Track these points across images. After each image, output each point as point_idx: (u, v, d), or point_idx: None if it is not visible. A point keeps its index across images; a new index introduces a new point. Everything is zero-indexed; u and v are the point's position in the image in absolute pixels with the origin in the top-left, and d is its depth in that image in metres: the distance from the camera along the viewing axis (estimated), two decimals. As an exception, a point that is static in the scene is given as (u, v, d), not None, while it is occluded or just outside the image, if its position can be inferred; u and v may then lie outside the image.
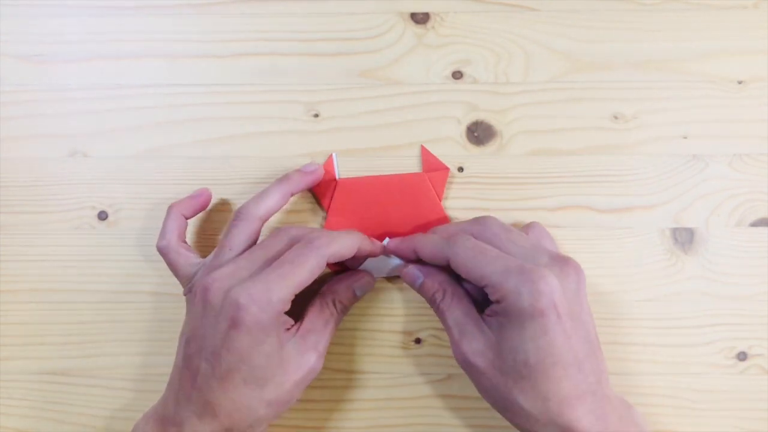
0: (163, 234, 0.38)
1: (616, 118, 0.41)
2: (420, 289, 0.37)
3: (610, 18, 0.42)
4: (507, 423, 0.33)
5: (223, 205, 0.41)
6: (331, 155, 0.41)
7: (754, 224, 0.40)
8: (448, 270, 0.36)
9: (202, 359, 0.33)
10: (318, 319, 0.36)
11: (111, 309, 0.40)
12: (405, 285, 0.40)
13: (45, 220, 0.41)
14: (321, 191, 0.40)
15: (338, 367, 0.40)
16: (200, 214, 0.40)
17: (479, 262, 0.33)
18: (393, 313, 0.40)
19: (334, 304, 0.37)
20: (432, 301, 0.36)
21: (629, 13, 0.42)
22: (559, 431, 0.32)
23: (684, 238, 0.40)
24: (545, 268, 0.33)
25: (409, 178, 0.40)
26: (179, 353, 0.35)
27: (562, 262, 0.34)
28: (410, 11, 0.42)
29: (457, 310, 0.35)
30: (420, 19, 0.42)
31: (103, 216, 0.41)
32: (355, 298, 0.38)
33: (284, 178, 0.38)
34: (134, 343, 0.40)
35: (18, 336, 0.40)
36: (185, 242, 0.38)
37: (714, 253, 0.40)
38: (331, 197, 0.40)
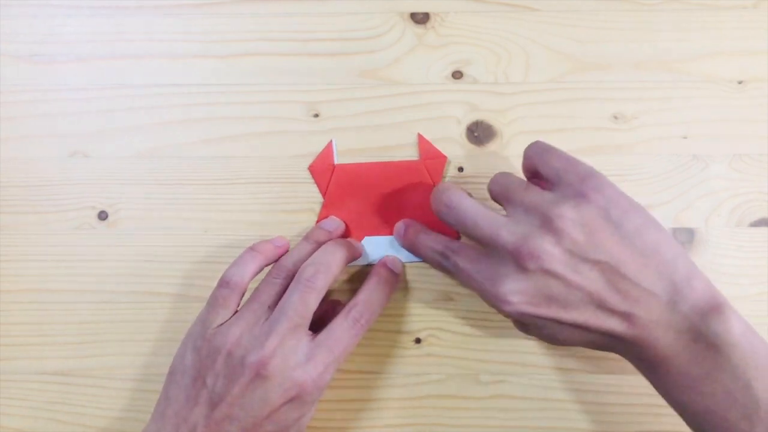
0: (239, 269, 0.36)
1: (616, 118, 0.41)
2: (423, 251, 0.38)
3: (610, 18, 0.42)
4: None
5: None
6: (330, 141, 0.41)
7: (754, 224, 0.40)
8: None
9: (234, 425, 0.33)
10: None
11: (111, 309, 0.40)
12: (404, 285, 0.40)
13: (45, 220, 0.41)
14: (319, 177, 0.40)
15: (339, 367, 0.40)
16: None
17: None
18: (393, 313, 0.40)
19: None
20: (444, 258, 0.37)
21: (629, 13, 0.42)
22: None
23: (684, 238, 0.40)
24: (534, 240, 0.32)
25: (406, 165, 0.40)
26: (191, 407, 0.34)
27: (547, 223, 0.32)
28: (410, 11, 0.42)
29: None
30: (420, 19, 0.42)
31: (103, 216, 0.41)
32: None
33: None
34: (134, 343, 0.40)
35: (18, 336, 0.40)
36: None
37: (714, 253, 0.40)
38: (329, 182, 0.40)
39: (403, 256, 0.40)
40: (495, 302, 0.33)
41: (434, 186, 0.40)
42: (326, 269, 0.36)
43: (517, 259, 0.32)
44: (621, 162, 0.41)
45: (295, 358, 0.33)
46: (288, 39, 0.42)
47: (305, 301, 0.34)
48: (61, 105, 0.42)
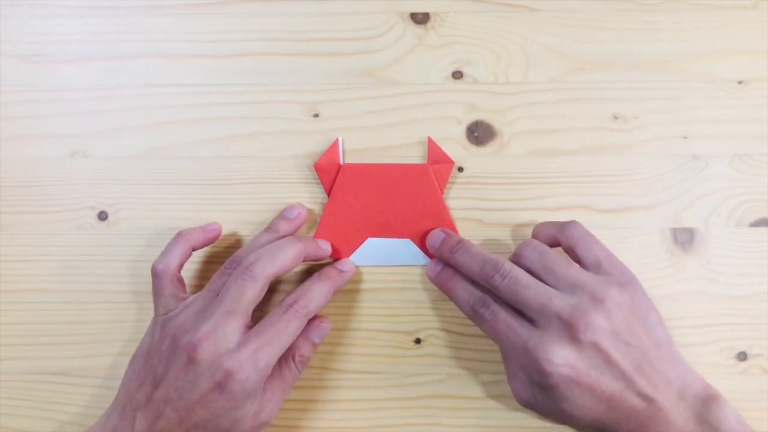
0: (165, 258, 0.37)
1: (616, 118, 0.41)
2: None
3: (610, 18, 0.42)
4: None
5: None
6: (336, 139, 0.41)
7: (754, 224, 0.40)
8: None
9: (170, 407, 0.33)
10: (277, 378, 0.36)
11: (111, 309, 0.40)
12: (404, 285, 0.40)
13: (45, 220, 0.41)
14: (323, 175, 0.40)
15: (338, 367, 0.40)
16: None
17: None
18: (393, 313, 0.40)
19: (294, 361, 0.37)
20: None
21: (629, 13, 0.42)
22: None
23: (684, 238, 0.40)
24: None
25: (413, 168, 0.40)
26: (138, 387, 0.35)
27: (598, 302, 0.34)
28: (410, 11, 0.42)
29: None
30: (420, 19, 0.42)
31: (103, 216, 0.41)
32: (315, 346, 0.38)
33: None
34: (135, 343, 0.40)
35: (18, 336, 0.40)
36: (180, 273, 0.38)
37: (714, 253, 0.40)
38: (333, 181, 0.40)
39: (405, 259, 0.40)
40: (536, 360, 0.33)
41: (440, 191, 0.40)
42: (269, 258, 0.36)
43: (571, 328, 0.33)
44: (621, 162, 0.41)
45: (226, 344, 0.34)
46: (288, 39, 0.42)
47: (240, 288, 0.35)
48: (61, 105, 0.42)
